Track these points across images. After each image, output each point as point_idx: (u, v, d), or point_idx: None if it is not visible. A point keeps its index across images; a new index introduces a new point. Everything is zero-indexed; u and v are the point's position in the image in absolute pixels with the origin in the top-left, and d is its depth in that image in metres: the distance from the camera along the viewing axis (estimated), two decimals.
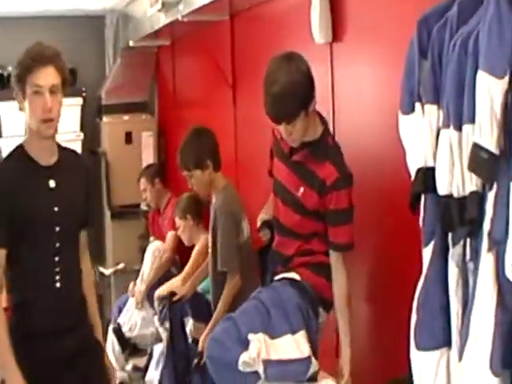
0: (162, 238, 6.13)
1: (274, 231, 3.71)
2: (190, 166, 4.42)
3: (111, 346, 5.93)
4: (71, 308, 3.34)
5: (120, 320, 6.10)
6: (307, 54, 4.28)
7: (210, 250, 4.53)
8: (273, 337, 3.27)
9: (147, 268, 6.01)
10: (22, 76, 3.15)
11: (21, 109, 3.24)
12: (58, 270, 3.23)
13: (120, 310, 6.19)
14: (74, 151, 3.57)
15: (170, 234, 6.05)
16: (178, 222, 5.45)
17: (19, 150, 3.29)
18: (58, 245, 3.24)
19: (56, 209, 3.23)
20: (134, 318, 6.05)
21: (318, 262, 3.52)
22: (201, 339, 4.48)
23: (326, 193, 3.39)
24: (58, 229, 3.25)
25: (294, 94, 3.27)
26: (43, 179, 3.26)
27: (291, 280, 3.49)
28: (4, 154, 6.38)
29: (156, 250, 6.01)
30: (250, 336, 3.22)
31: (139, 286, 6.05)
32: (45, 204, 3.25)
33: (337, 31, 4.09)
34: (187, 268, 5.23)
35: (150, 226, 6.42)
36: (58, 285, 3.25)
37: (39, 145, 3.24)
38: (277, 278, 3.57)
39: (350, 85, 4.04)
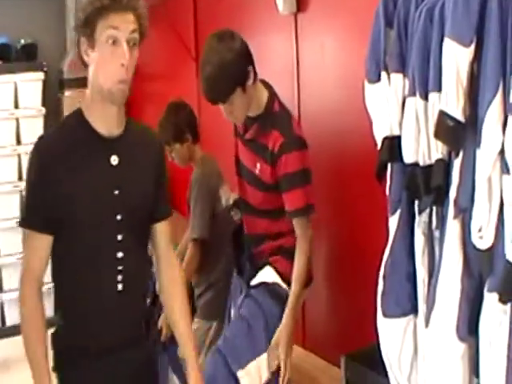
0: None
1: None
2: (169, 140, 4.41)
3: None
4: (134, 317, 2.73)
5: None
6: (271, 25, 4.32)
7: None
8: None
9: None
10: (93, 18, 2.44)
11: (84, 63, 2.59)
12: (120, 268, 2.61)
13: None
14: (143, 125, 2.94)
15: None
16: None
17: (76, 116, 2.63)
18: (120, 237, 2.60)
19: (116, 192, 2.58)
20: None
21: (290, 246, 3.48)
22: None
23: (276, 161, 3.36)
24: (119, 217, 2.59)
25: (225, 73, 3.26)
26: (103, 153, 2.60)
27: (269, 287, 3.50)
28: None
29: None
30: (240, 373, 3.32)
31: None
32: (103, 185, 2.59)
33: (301, 2, 4.09)
34: None
35: None
36: (119, 287, 2.61)
37: (104, 111, 2.58)
38: (255, 282, 3.56)
39: (315, 55, 4.04)
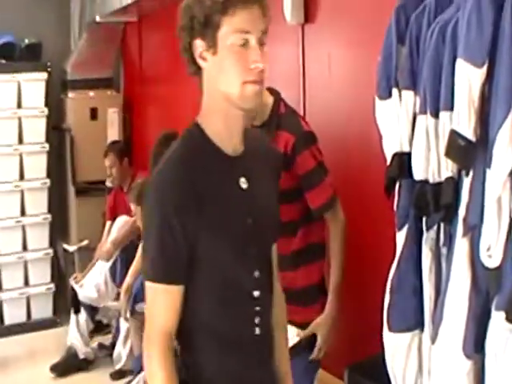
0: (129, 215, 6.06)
1: None
2: None
3: (75, 322, 5.87)
4: (268, 361, 2.37)
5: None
6: (279, 34, 4.31)
7: None
8: None
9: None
10: (216, 17, 2.07)
11: (195, 71, 2.23)
12: (258, 309, 2.24)
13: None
14: (259, 132, 2.60)
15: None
16: (134, 208, 5.38)
17: (196, 135, 2.23)
18: (256, 274, 2.23)
19: (250, 221, 2.20)
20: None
21: (299, 287, 3.39)
22: None
23: (291, 163, 3.25)
24: (255, 250, 2.24)
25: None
26: (232, 176, 2.22)
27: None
28: None
29: (125, 224, 5.94)
30: None
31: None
32: (236, 214, 2.20)
33: (309, 12, 4.10)
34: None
35: (109, 206, 6.31)
36: (257, 331, 2.25)
37: (226, 124, 2.19)
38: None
39: (321, 66, 4.04)
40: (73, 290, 5.92)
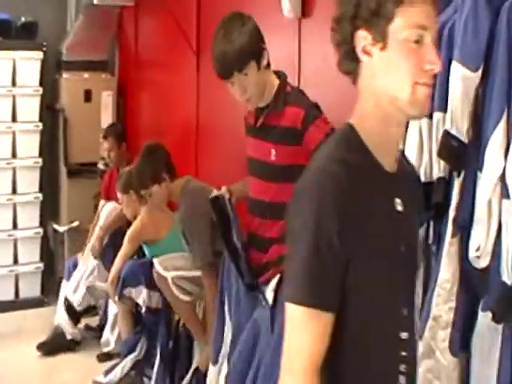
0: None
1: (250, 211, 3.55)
2: (147, 184, 4.54)
3: (63, 302, 5.89)
4: None
5: (68, 288, 6.02)
6: (276, 28, 4.32)
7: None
8: None
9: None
10: (391, 9, 1.77)
11: (352, 67, 1.94)
12: (404, 354, 1.87)
13: (70, 273, 6.12)
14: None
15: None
16: (121, 197, 5.39)
17: (352, 137, 1.87)
18: (405, 312, 1.89)
19: (403, 248, 1.88)
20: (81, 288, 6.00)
21: None
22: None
23: (302, 136, 3.21)
24: (403, 283, 1.91)
25: (239, 44, 3.23)
26: (388, 196, 1.89)
27: None
28: None
29: (113, 210, 5.96)
30: None
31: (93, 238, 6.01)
32: (392, 239, 1.87)
33: (306, 7, 4.10)
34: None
35: (105, 186, 6.31)
36: (401, 381, 1.86)
37: (386, 133, 1.87)
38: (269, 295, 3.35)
39: (317, 61, 4.03)
40: (67, 301, 5.97)
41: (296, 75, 4.13)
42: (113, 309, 5.62)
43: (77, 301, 5.87)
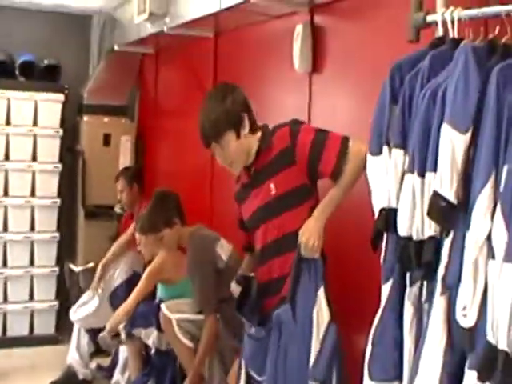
0: None
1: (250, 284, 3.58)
2: (159, 227, 4.74)
3: (76, 342, 5.96)
4: None
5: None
6: (287, 81, 4.42)
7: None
8: None
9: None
10: None
11: None
12: None
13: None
14: None
15: (131, 226, 6.07)
16: (139, 237, 5.44)
17: None
18: None
19: None
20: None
21: None
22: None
23: (294, 150, 3.35)
24: None
25: (217, 113, 3.42)
26: None
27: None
28: (12, 143, 6.68)
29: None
30: None
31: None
32: None
33: (317, 62, 4.18)
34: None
35: (122, 230, 6.41)
36: None
37: None
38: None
39: (326, 115, 4.11)
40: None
41: None
42: (124, 350, 5.66)
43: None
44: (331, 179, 3.34)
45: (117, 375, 5.76)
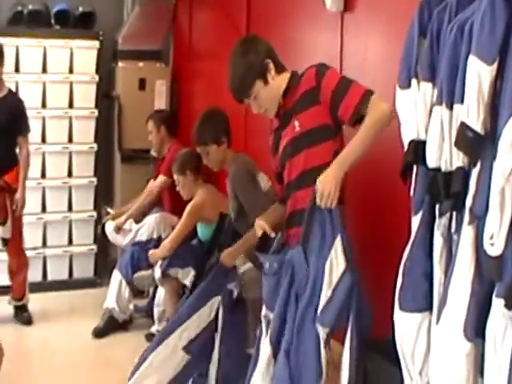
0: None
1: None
2: (207, 140, 4.70)
3: (116, 293, 5.99)
4: None
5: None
6: (318, 21, 4.41)
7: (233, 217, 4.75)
8: None
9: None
10: None
11: None
12: None
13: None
14: None
15: (159, 178, 6.20)
16: (177, 177, 5.48)
17: None
18: None
19: None
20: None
21: None
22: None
23: (319, 90, 3.40)
24: None
25: (241, 70, 3.53)
26: None
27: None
28: (22, 90, 6.79)
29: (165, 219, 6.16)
30: None
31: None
32: None
33: (348, 1, 4.18)
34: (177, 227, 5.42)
35: (156, 175, 6.48)
36: None
37: None
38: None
39: (358, 55, 4.13)
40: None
41: (338, 69, 4.21)
42: (161, 290, 5.77)
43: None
44: (350, 125, 3.38)
45: (156, 313, 5.87)
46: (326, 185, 3.24)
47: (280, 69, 3.58)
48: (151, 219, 6.09)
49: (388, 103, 3.19)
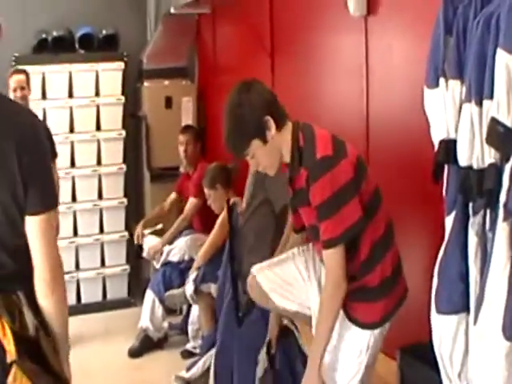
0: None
1: None
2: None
3: (150, 312, 5.99)
4: None
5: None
6: (342, 26, 4.40)
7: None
8: None
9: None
10: None
11: None
12: None
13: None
14: None
15: (190, 201, 6.17)
16: (208, 191, 5.49)
17: None
18: None
19: None
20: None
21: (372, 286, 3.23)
22: None
23: (308, 196, 3.12)
24: None
25: (236, 128, 3.18)
26: None
27: None
28: (49, 116, 6.84)
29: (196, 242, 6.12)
30: None
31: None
32: None
33: (371, 5, 4.18)
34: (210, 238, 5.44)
35: (178, 188, 6.52)
36: None
37: None
38: None
39: (383, 57, 4.12)
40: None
41: (364, 71, 4.21)
42: (195, 309, 5.76)
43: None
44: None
45: (191, 331, 5.85)
46: None
47: (282, 122, 3.20)
48: (182, 242, 6.09)
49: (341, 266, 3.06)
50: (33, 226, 2.27)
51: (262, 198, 4.41)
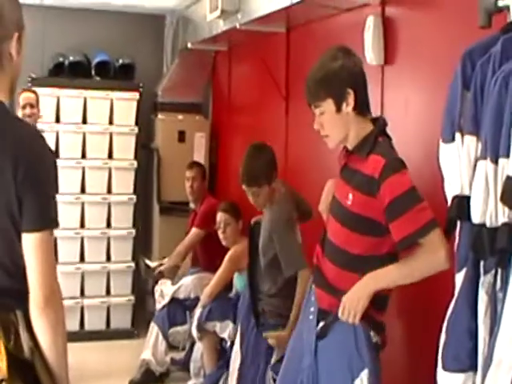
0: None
1: None
2: (261, 182, 4.40)
3: (153, 347, 5.98)
4: None
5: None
6: None
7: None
8: None
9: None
10: None
11: None
12: None
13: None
14: None
15: (192, 231, 6.22)
16: (219, 217, 5.52)
17: None
18: None
19: None
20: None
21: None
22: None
23: (378, 188, 3.09)
24: None
25: (323, 79, 3.34)
26: None
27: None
28: (62, 140, 6.82)
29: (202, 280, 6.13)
30: None
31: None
32: None
33: (388, 54, 4.18)
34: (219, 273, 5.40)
35: (190, 227, 6.48)
36: None
37: None
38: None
39: (399, 108, 4.11)
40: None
41: None
42: (198, 346, 5.72)
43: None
44: (397, 248, 3.18)
45: (192, 368, 5.81)
46: (351, 303, 3.15)
47: (363, 111, 3.31)
48: (188, 280, 6.08)
49: (446, 247, 3.00)
50: (28, 243, 2.21)
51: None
